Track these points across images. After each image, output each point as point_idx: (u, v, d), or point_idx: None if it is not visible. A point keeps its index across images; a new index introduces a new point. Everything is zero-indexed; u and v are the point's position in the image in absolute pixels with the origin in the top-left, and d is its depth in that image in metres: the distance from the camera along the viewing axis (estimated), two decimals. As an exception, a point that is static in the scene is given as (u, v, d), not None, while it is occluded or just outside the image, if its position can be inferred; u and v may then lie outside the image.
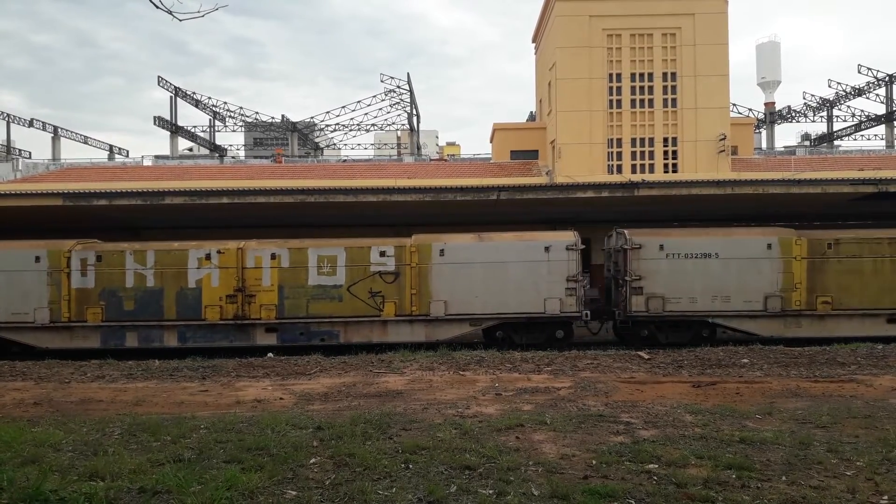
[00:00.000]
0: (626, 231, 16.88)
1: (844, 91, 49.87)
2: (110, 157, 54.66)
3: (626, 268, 16.58)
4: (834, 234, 16.85)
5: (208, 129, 54.09)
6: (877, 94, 48.94)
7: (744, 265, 16.39)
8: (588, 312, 16.79)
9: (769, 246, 16.44)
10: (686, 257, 16.41)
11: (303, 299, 16.56)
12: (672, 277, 16.37)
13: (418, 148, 52.79)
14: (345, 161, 47.21)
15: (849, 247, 16.48)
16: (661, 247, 16.41)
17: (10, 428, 7.68)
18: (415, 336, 16.52)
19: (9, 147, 50.80)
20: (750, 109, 51.07)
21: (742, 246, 16.53)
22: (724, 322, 16.55)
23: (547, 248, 16.50)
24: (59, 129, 52.27)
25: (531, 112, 45.82)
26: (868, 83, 48.51)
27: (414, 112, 51.00)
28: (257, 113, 55.03)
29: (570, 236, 16.75)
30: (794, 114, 53.12)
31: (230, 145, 60.42)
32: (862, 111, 51.21)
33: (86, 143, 55.15)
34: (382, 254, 16.64)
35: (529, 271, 16.43)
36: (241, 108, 54.41)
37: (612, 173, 30.10)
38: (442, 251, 16.57)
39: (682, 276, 16.36)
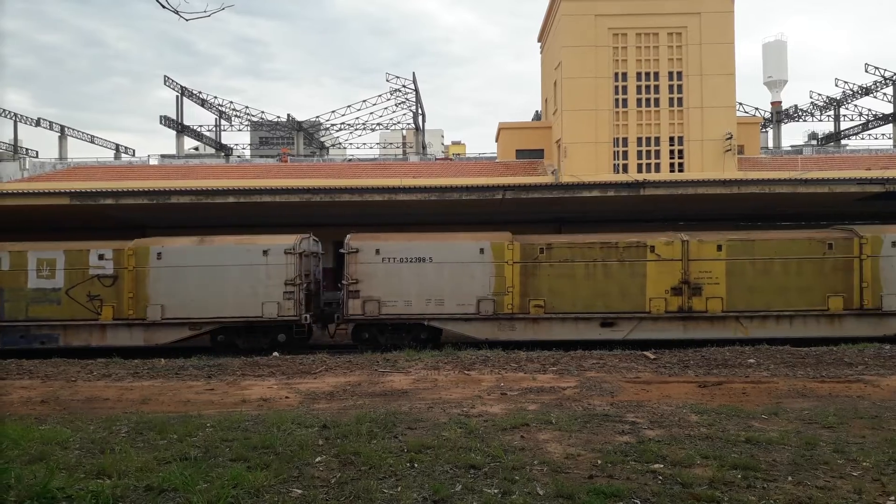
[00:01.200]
0: (349, 235, 16.90)
1: (851, 90, 49.65)
2: (117, 157, 54.87)
3: (345, 271, 16.68)
4: (547, 239, 16.85)
5: (214, 129, 54.26)
6: (884, 94, 48.72)
7: (457, 269, 16.39)
8: (308, 316, 16.73)
9: (481, 250, 16.45)
10: (401, 261, 16.43)
11: (22, 302, 16.55)
12: (388, 281, 16.39)
13: (423, 147, 52.80)
14: (350, 160, 47.25)
15: (560, 251, 16.41)
16: (377, 251, 16.47)
17: (18, 426, 7.73)
18: (133, 340, 16.58)
19: (16, 146, 51.05)
20: (756, 108, 50.91)
21: (455, 250, 16.52)
22: (440, 325, 16.52)
23: (265, 252, 16.45)
24: (66, 129, 52.51)
25: (537, 111, 45.76)
26: (875, 82, 48.28)
27: (419, 111, 51.02)
28: (263, 112, 55.19)
29: (290, 240, 16.68)
30: (800, 113, 52.89)
31: (236, 144, 60.56)
32: (869, 110, 51.02)
33: (92, 142, 55.37)
34: (101, 257, 16.56)
35: (248, 275, 16.38)
36: (246, 107, 54.59)
37: (618, 173, 30.03)
38: (159, 255, 16.49)
39: (398, 279, 16.39)
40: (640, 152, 30.82)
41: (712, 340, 15.19)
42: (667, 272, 16.25)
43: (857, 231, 16.50)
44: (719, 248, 16.26)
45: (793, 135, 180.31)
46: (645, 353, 13.44)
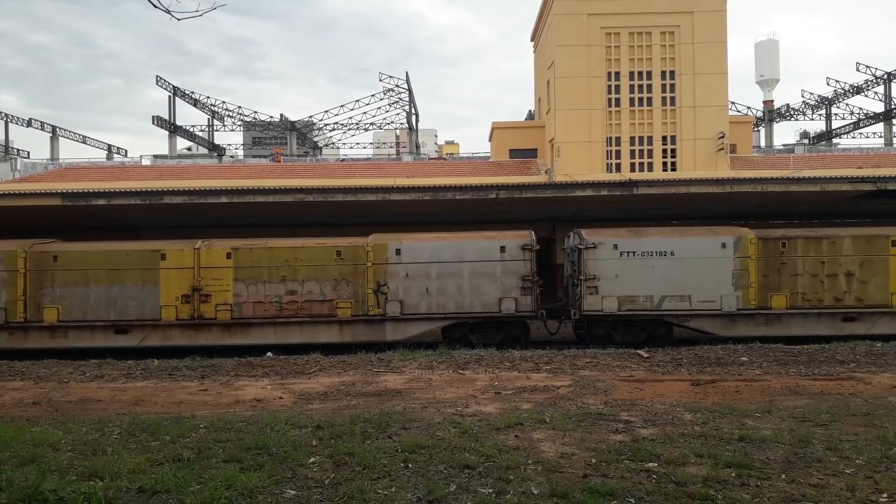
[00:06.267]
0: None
1: (843, 89, 49.90)
2: (109, 157, 54.65)
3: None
4: None
5: (207, 129, 54.06)
6: (875, 92, 49.00)
7: None
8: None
9: None
10: None
11: None
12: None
13: (417, 147, 52.76)
14: (344, 160, 47.24)
15: None
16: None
17: (9, 428, 7.67)
18: None
19: (7, 147, 50.74)
20: (748, 107, 51.12)
21: None
22: None
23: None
24: (58, 129, 52.23)
25: (530, 111, 45.84)
26: (867, 81, 48.57)
27: (412, 111, 50.98)
28: (256, 112, 55.02)
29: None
30: (792, 112, 53.13)
31: (229, 145, 60.43)
32: (861, 109, 51.28)
33: (84, 142, 55.11)
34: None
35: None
36: (239, 107, 54.39)
37: (611, 172, 30.10)
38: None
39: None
40: (633, 151, 30.89)
41: None
42: None
43: None
44: None
45: (785, 134, 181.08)
46: (638, 351, 13.46)
